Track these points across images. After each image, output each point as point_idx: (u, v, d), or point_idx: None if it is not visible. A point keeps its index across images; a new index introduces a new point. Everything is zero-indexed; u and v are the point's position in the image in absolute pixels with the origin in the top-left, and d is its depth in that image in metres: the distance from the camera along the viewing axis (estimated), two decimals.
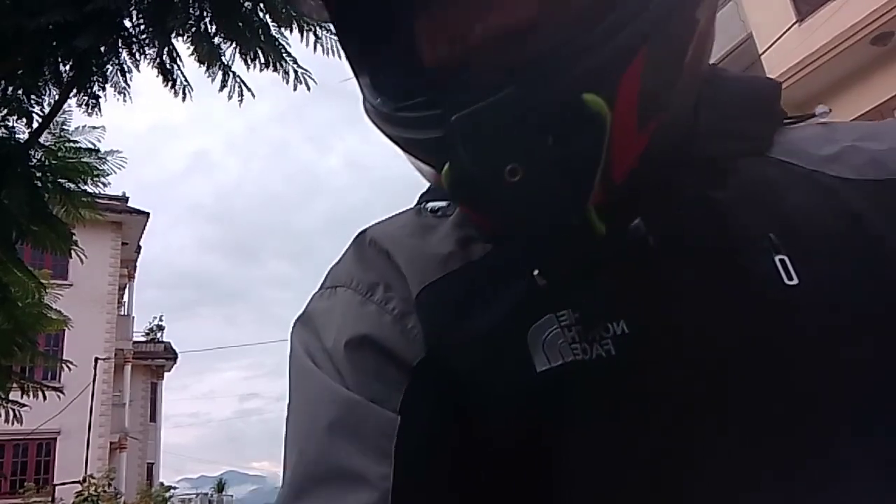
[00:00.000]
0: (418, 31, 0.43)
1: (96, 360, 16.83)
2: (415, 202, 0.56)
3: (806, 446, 0.39)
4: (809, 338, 0.40)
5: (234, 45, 4.75)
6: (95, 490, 14.18)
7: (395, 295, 0.47)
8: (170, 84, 4.82)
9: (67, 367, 9.06)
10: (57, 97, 4.69)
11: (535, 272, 0.42)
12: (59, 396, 9.23)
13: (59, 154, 5.04)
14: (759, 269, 0.41)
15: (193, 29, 4.61)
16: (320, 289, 0.53)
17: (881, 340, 0.40)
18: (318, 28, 4.78)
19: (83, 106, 4.74)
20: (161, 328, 24.82)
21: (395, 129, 0.44)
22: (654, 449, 0.39)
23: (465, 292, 0.45)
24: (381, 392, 0.44)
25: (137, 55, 4.71)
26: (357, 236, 0.54)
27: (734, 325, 0.40)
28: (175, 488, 23.83)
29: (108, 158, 5.33)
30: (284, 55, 4.85)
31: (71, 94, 4.69)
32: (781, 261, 0.41)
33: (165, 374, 23.69)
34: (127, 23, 4.60)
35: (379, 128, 0.46)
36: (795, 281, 0.41)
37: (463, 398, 0.43)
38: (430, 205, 0.53)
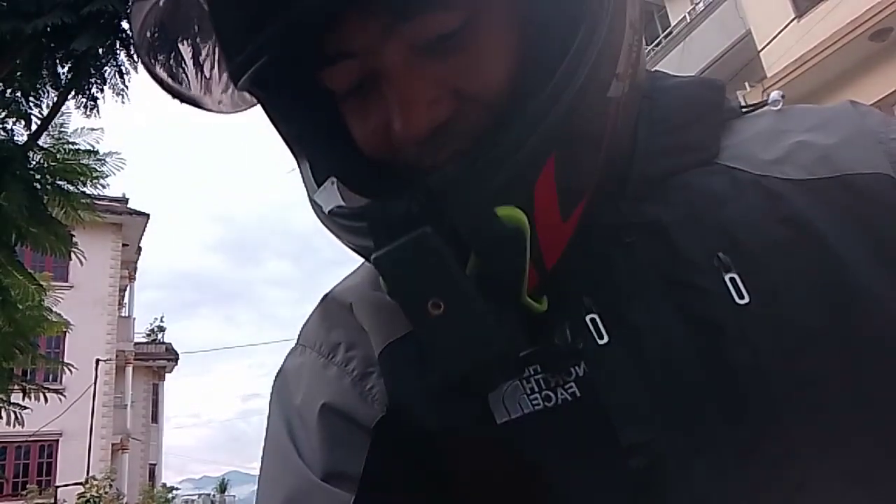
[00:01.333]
0: (345, 125, 0.45)
1: (97, 361, 16.84)
2: None
3: (772, 466, 0.39)
4: (765, 357, 0.40)
5: None
6: (98, 491, 14.20)
7: (357, 354, 0.49)
8: None
9: (69, 369, 9.08)
10: (55, 99, 4.70)
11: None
12: (60, 399, 9.24)
13: (58, 156, 5.05)
14: (710, 291, 0.41)
15: None
16: (295, 345, 0.55)
17: (835, 351, 0.40)
18: None
19: (81, 108, 4.75)
20: (162, 329, 24.87)
21: (334, 230, 0.45)
22: (627, 483, 0.40)
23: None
24: (345, 459, 0.45)
25: (135, 57, 4.71)
26: (323, 297, 0.55)
27: (692, 353, 0.41)
28: (178, 489, 23.88)
29: (107, 160, 5.34)
30: None
31: (69, 96, 4.70)
32: (732, 279, 0.41)
33: (167, 375, 23.73)
34: (125, 24, 4.60)
35: (322, 222, 0.47)
36: (746, 299, 0.40)
37: (426, 452, 0.43)
38: None
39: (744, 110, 0.52)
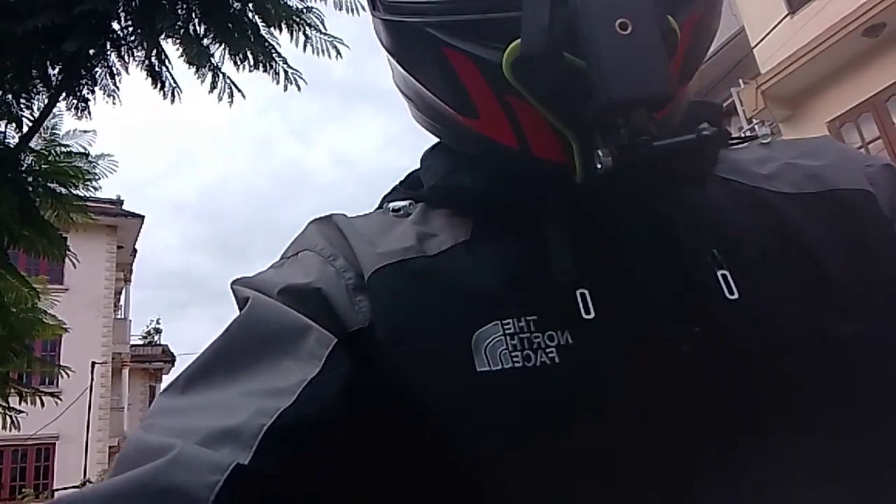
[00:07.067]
0: None
1: (93, 364, 16.79)
2: (377, 204, 0.57)
3: (745, 454, 0.39)
4: (749, 350, 0.42)
5: (223, 46, 4.73)
6: None
7: (353, 272, 0.48)
8: (159, 86, 4.80)
9: (66, 372, 9.04)
10: (46, 101, 4.67)
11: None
12: (56, 402, 9.20)
13: (50, 158, 5.02)
14: (702, 284, 0.43)
15: (182, 30, 4.59)
16: (281, 259, 0.52)
17: (814, 353, 0.42)
18: (307, 28, 4.77)
19: (73, 109, 4.73)
20: (158, 331, 24.87)
21: (461, 14, 0.45)
22: (584, 450, 0.40)
23: (417, 281, 0.46)
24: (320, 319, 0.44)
25: (126, 57, 4.70)
26: (319, 218, 0.55)
27: (677, 338, 0.42)
28: None
29: (99, 162, 5.31)
30: (274, 55, 4.84)
31: (60, 98, 4.67)
32: (724, 276, 0.43)
33: (164, 377, 23.68)
34: (115, 25, 4.58)
35: (431, 24, 0.47)
36: (736, 295, 0.42)
37: (392, 377, 0.43)
38: (392, 205, 0.54)
39: (732, 142, 0.54)
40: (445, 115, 0.50)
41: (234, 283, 0.50)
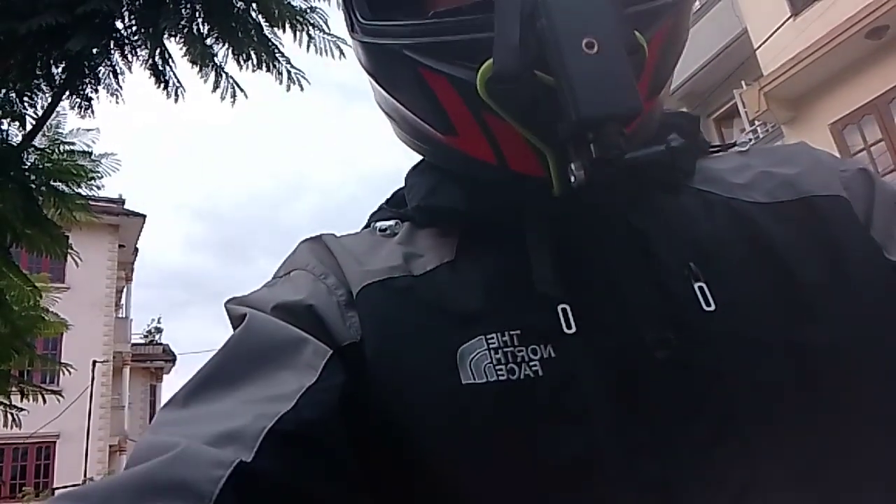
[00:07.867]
0: None
1: (94, 363, 16.80)
2: (365, 223, 0.59)
3: (722, 464, 0.40)
4: (726, 361, 0.43)
5: (226, 45, 4.74)
6: None
7: (344, 289, 0.49)
8: (162, 85, 4.81)
9: (67, 370, 9.05)
10: (50, 99, 4.68)
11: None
12: (58, 400, 9.21)
13: (53, 157, 5.03)
14: (680, 296, 0.44)
15: (186, 30, 4.60)
16: (273, 278, 0.54)
17: (789, 361, 0.43)
18: (310, 28, 4.78)
19: (76, 108, 4.73)
20: (159, 330, 24.89)
21: (435, 36, 0.47)
22: (566, 460, 0.41)
23: (403, 299, 0.47)
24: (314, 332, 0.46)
25: (130, 57, 4.71)
26: (309, 238, 0.56)
27: (655, 352, 0.42)
28: None
29: (102, 161, 5.32)
30: (277, 55, 4.84)
31: (64, 97, 4.68)
32: (700, 288, 0.44)
33: (164, 377, 23.68)
34: (119, 24, 4.60)
35: (407, 46, 0.48)
36: (713, 307, 0.43)
37: (378, 395, 0.44)
38: (379, 224, 0.55)
39: (712, 149, 0.56)
40: (427, 133, 0.52)
41: (227, 302, 0.51)
